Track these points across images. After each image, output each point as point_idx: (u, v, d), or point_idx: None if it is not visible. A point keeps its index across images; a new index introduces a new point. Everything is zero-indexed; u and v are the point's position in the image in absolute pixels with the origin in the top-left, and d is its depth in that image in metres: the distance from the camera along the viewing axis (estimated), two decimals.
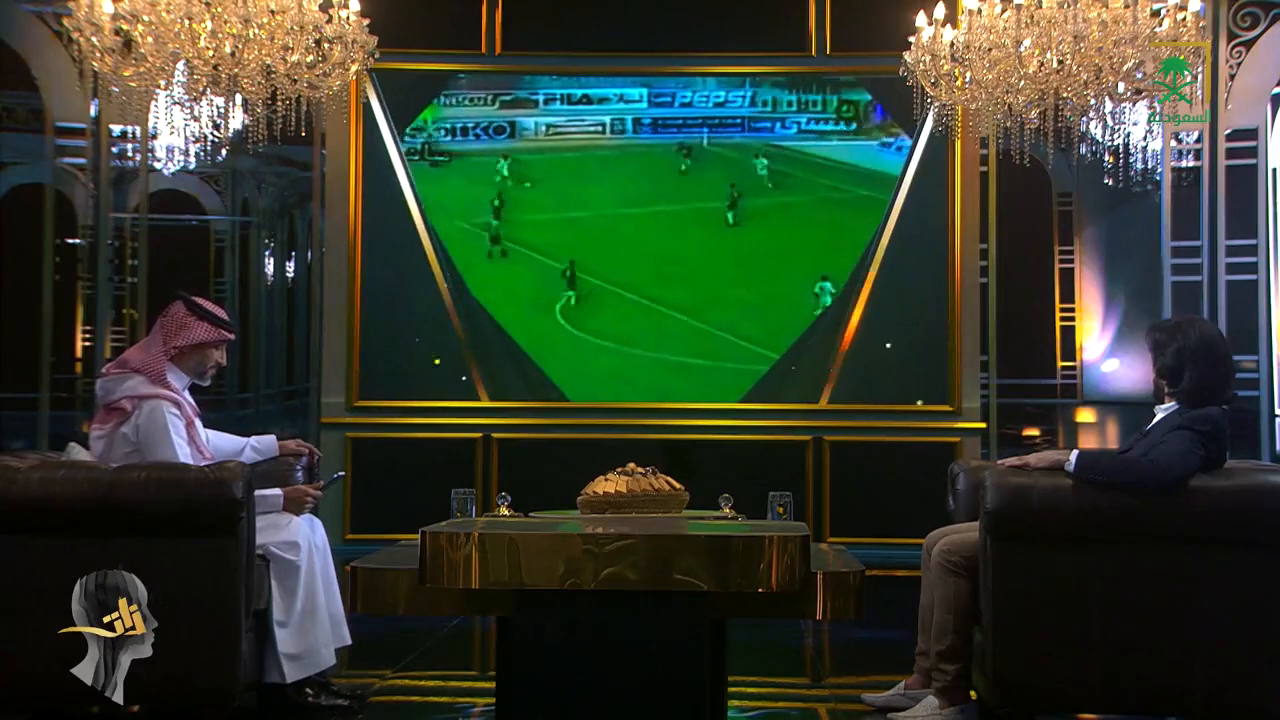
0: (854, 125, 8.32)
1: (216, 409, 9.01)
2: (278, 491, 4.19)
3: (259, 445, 4.52)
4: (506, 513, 4.14)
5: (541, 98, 8.40)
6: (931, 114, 6.49)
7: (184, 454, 4.06)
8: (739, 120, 8.36)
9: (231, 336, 4.30)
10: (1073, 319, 9.75)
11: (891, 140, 8.28)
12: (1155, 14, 5.68)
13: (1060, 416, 9.77)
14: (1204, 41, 6.03)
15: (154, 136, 8.17)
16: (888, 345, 8.25)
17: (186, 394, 4.25)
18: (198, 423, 4.27)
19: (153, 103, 5.93)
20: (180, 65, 5.48)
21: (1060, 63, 5.63)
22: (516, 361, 8.31)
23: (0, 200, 8.65)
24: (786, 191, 8.34)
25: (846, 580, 3.45)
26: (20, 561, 3.79)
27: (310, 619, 4.09)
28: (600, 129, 8.41)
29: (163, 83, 5.60)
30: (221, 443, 4.44)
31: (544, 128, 8.39)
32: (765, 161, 8.32)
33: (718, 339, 8.31)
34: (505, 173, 8.34)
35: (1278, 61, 7.85)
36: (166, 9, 5.33)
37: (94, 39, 5.37)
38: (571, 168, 8.41)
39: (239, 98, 5.79)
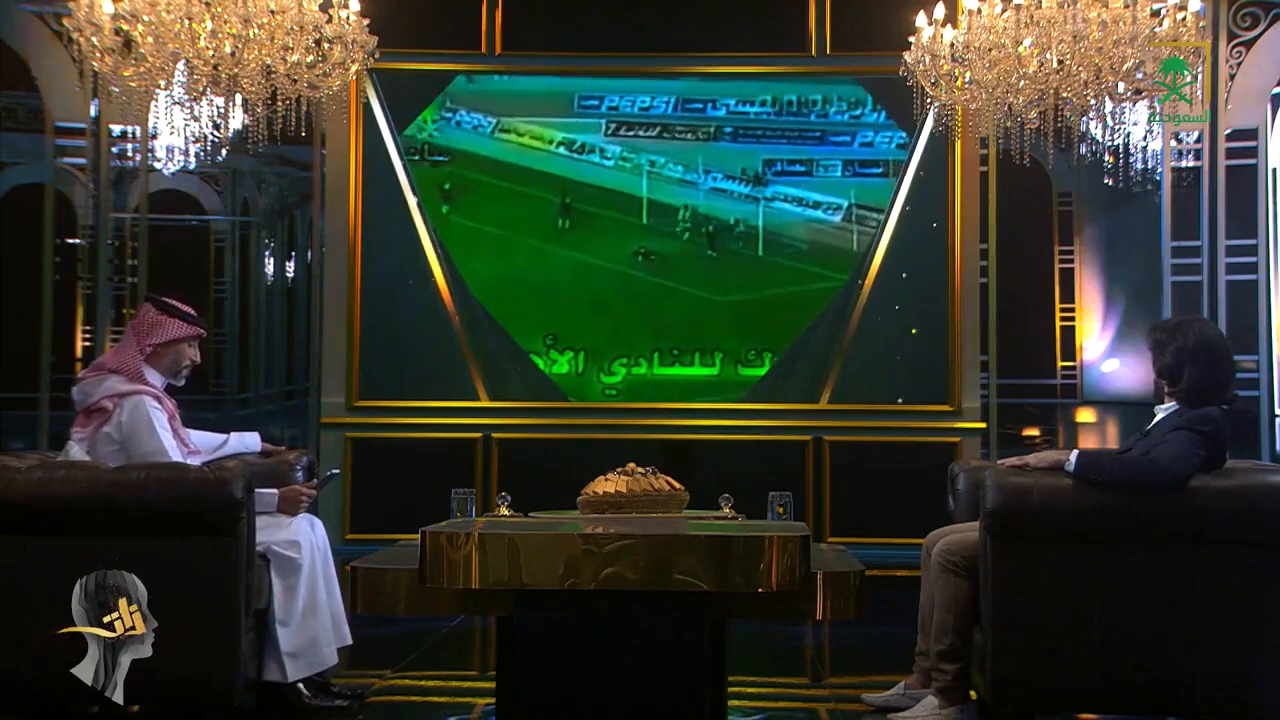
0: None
1: (216, 409, 9.02)
2: (273, 491, 4.19)
3: (241, 438, 4.56)
4: (506, 513, 4.14)
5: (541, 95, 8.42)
6: (931, 114, 6.49)
7: (169, 445, 4.06)
8: None
9: (204, 332, 4.34)
10: (1073, 319, 9.75)
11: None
12: (1155, 14, 5.68)
13: (1060, 416, 9.77)
14: (1204, 41, 6.03)
15: (154, 136, 8.17)
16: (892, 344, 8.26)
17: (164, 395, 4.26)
18: (178, 419, 4.27)
19: (153, 103, 5.93)
20: (180, 65, 5.48)
21: (1060, 63, 5.63)
22: (517, 361, 8.30)
23: (0, 200, 8.65)
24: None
25: (846, 580, 3.45)
26: (20, 561, 3.78)
27: (311, 617, 4.09)
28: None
29: (163, 83, 5.60)
30: (203, 440, 4.46)
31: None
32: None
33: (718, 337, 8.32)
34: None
35: (1278, 61, 7.85)
36: (166, 9, 5.33)
37: (94, 39, 5.37)
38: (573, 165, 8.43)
39: (239, 98, 5.79)
